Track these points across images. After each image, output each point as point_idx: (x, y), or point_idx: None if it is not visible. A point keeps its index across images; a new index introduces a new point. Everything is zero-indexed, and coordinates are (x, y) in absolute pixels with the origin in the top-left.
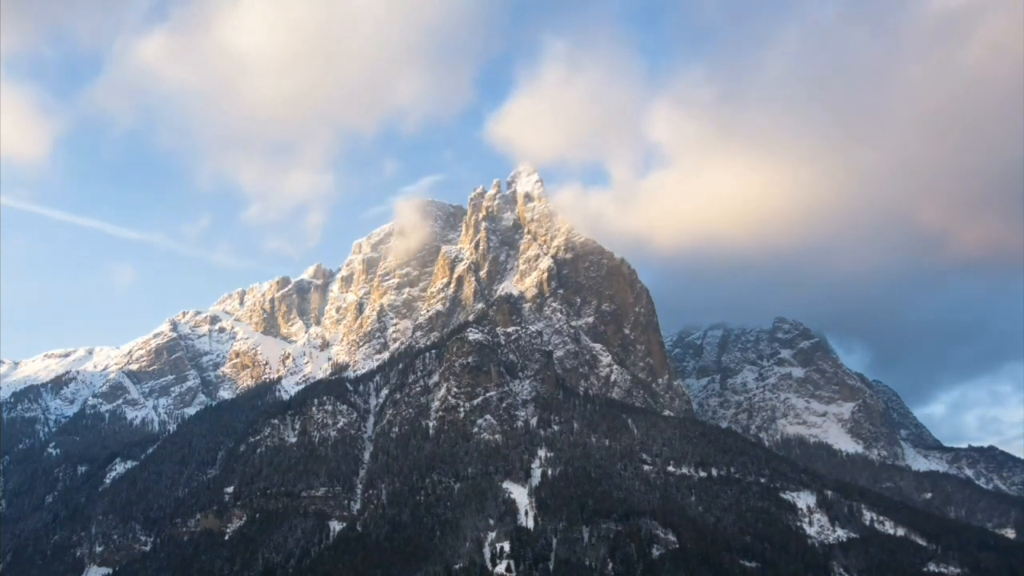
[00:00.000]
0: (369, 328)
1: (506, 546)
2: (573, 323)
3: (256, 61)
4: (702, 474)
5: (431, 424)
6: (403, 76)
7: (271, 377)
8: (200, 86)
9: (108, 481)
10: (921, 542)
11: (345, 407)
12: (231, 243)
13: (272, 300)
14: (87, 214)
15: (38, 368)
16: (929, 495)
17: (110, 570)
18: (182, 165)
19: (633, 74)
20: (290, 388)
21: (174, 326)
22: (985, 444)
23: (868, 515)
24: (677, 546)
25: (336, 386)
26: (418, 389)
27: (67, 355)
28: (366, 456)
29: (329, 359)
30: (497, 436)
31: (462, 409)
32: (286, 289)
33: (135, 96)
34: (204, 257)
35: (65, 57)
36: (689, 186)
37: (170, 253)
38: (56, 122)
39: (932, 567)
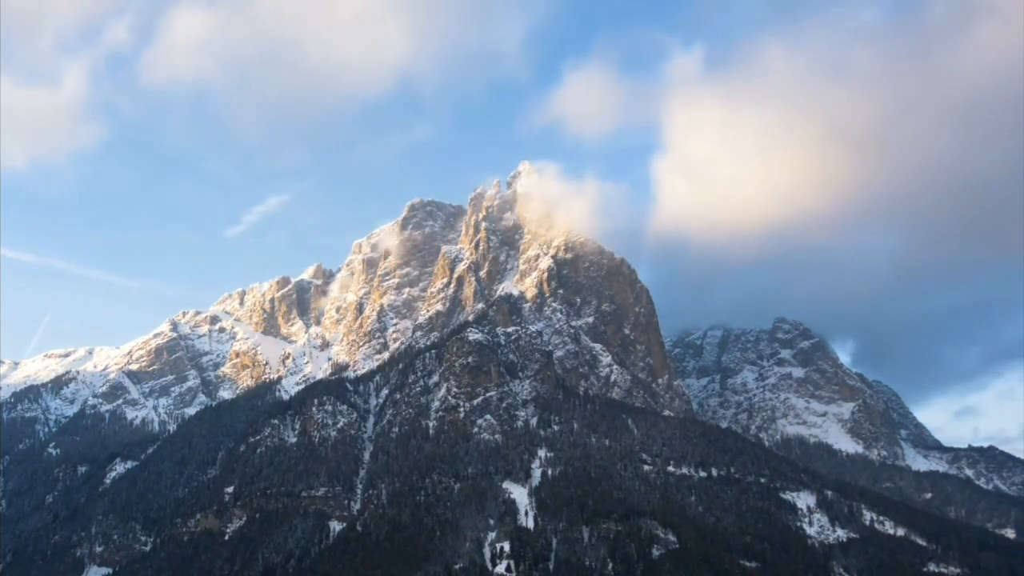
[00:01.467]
0: (369, 328)
1: (506, 546)
2: (573, 323)
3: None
4: (702, 474)
5: (431, 424)
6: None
7: (271, 377)
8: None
9: (108, 481)
10: (921, 542)
11: (345, 407)
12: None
13: (272, 300)
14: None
15: (38, 368)
16: (929, 495)
17: (110, 570)
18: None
19: (645, 69)
20: (290, 388)
21: (174, 326)
22: (985, 444)
23: (868, 515)
24: (677, 546)
25: (336, 386)
26: (418, 389)
27: (67, 355)
28: (366, 456)
29: (329, 359)
30: (497, 436)
31: (462, 409)
32: (286, 289)
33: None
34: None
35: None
36: (691, 184)
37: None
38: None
39: (932, 567)
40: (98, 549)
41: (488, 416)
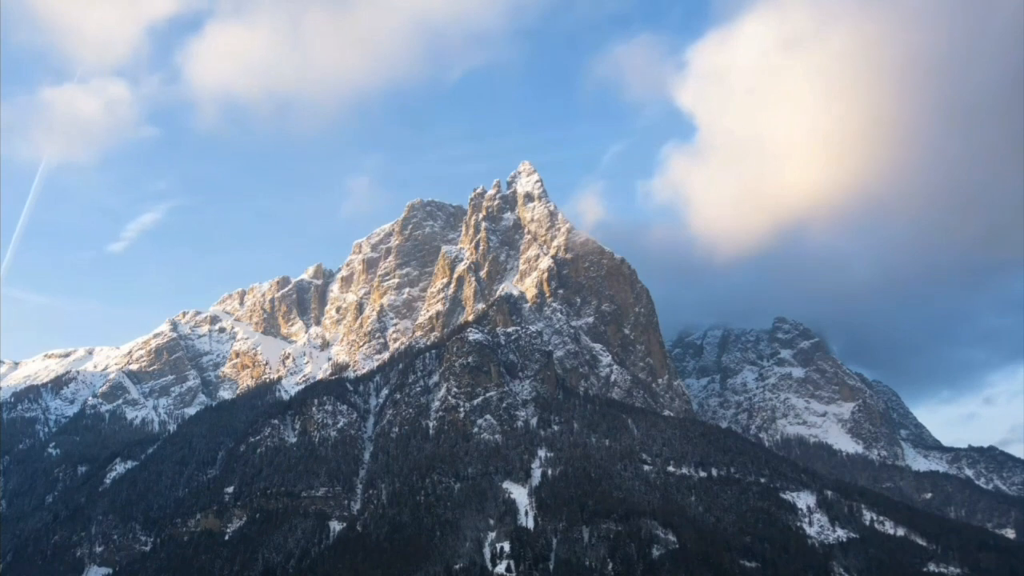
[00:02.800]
0: (369, 328)
1: (506, 546)
2: (573, 323)
3: None
4: (702, 474)
5: (431, 424)
6: None
7: (271, 377)
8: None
9: (108, 481)
10: (921, 542)
11: (345, 407)
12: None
13: (272, 300)
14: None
15: (38, 368)
16: (929, 495)
17: (110, 570)
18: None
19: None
20: (290, 388)
21: (174, 326)
22: (985, 444)
23: (868, 515)
24: (677, 546)
25: (336, 386)
26: (418, 389)
27: (67, 355)
28: (366, 456)
29: (329, 359)
30: (497, 436)
31: (462, 409)
32: (286, 289)
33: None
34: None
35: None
36: (693, 184)
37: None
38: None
39: (932, 567)
40: (98, 549)
41: (488, 416)
